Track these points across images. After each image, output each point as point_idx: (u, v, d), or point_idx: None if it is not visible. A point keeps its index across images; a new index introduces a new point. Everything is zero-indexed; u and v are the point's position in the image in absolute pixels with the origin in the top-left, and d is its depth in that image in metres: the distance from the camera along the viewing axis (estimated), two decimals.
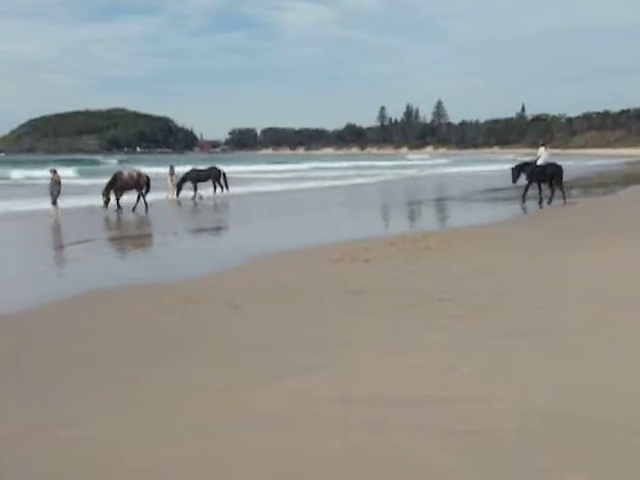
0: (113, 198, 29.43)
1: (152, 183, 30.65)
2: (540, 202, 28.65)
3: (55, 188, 26.89)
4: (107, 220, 26.62)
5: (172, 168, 38.63)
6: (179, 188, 37.57)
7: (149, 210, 28.92)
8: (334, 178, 58.22)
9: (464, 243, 17.00)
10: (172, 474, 5.14)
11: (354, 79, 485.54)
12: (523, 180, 29.81)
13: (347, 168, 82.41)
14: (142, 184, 29.85)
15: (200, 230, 24.15)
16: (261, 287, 12.04)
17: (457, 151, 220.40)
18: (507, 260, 14.15)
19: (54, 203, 26.81)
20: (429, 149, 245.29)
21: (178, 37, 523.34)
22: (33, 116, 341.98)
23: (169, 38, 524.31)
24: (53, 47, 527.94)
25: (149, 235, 22.65)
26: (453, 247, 16.35)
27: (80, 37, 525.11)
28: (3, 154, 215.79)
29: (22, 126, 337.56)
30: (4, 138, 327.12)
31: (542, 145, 31.10)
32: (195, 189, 37.51)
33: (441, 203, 34.58)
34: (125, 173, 30.42)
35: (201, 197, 36.36)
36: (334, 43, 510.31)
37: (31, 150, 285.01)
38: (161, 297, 11.29)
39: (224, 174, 39.04)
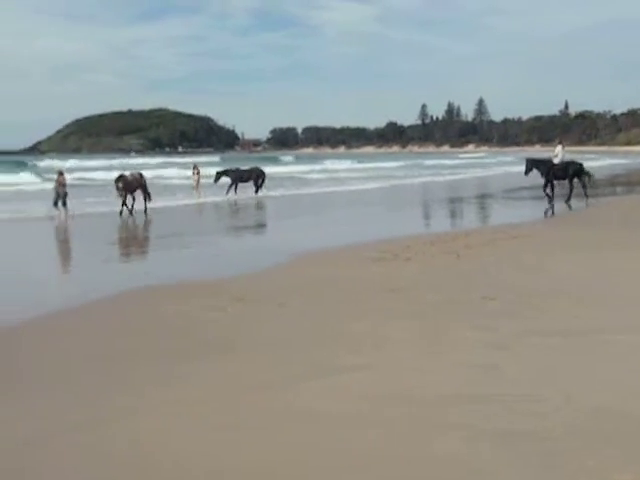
0: (120, 201, 27.93)
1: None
2: (568, 201, 28.21)
3: (61, 190, 26.79)
4: (147, 220, 26.77)
5: (196, 167, 38.70)
6: (217, 179, 37.68)
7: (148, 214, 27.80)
8: (401, 177, 57.86)
9: (506, 241, 16.87)
10: (215, 471, 5.19)
11: (395, 77, 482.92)
12: (534, 173, 29.33)
13: (409, 167, 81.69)
14: (145, 185, 29.10)
15: (244, 229, 24.31)
16: (304, 285, 12.08)
17: (499, 149, 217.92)
18: (550, 258, 14.02)
19: (55, 204, 26.61)
20: (470, 147, 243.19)
21: (220, 37, 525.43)
22: (78, 116, 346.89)
23: (211, 38, 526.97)
24: (99, 48, 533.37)
25: (193, 234, 22.81)
26: (495, 245, 16.24)
27: (125, 38, 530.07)
28: (54, 153, 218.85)
29: (67, 126, 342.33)
30: (50, 138, 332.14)
31: (559, 143, 30.55)
32: (235, 188, 37.40)
33: (485, 201, 34.35)
34: (128, 175, 29.34)
35: (235, 202, 35.43)
36: (374, 41, 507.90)
37: (76, 150, 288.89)
38: (207, 295, 11.39)
39: (263, 175, 38.81)
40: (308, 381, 6.99)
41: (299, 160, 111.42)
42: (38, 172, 58.03)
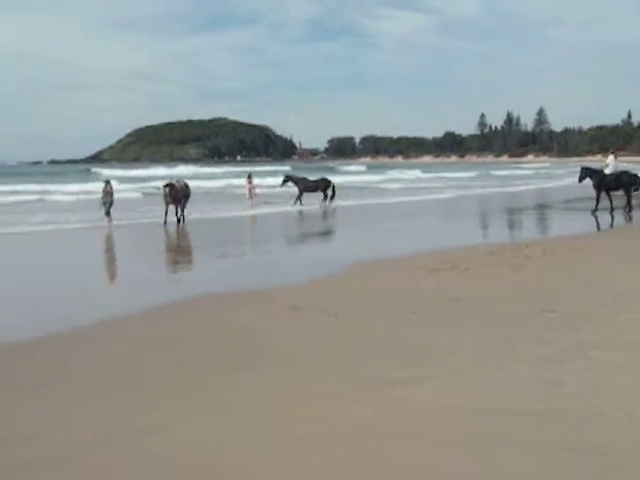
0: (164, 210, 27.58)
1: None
2: (629, 212, 27.54)
3: (107, 199, 27.00)
4: (207, 229, 27.02)
5: (250, 177, 38.77)
6: (284, 183, 37.78)
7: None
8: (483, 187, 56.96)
9: (566, 253, 16.60)
10: None
11: (453, 87, 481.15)
12: (587, 181, 28.78)
13: (481, 177, 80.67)
14: (189, 195, 28.76)
15: (303, 238, 24.44)
16: (360, 295, 12.06)
17: (559, 159, 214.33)
18: (610, 271, 13.71)
19: (107, 214, 26.81)
20: (530, 157, 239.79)
21: (278, 47, 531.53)
22: (138, 125, 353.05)
23: (269, 48, 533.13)
24: (160, 59, 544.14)
25: (252, 243, 22.99)
26: (555, 257, 16.00)
27: (185, 49, 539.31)
28: (115, 162, 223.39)
29: (128, 135, 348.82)
30: (112, 147, 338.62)
31: (612, 153, 29.79)
32: (300, 197, 37.29)
33: (544, 212, 33.85)
34: (177, 183, 28.71)
35: (301, 212, 34.81)
36: (432, 51, 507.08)
37: (136, 159, 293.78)
38: (264, 304, 11.46)
39: (333, 186, 38.24)
40: (366, 393, 6.96)
41: (366, 170, 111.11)
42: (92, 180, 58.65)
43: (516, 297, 11.48)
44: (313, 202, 37.03)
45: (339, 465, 5.37)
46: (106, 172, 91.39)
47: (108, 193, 27.18)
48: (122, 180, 57.07)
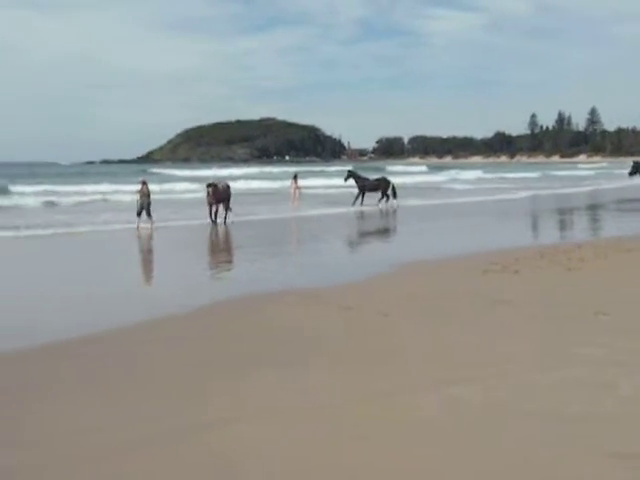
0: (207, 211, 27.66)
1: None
2: None
3: (144, 200, 26.57)
4: (258, 230, 27.16)
5: (296, 177, 38.53)
6: (347, 178, 37.60)
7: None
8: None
9: (619, 255, 16.33)
10: (319, 479, 5.22)
11: (503, 86, 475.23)
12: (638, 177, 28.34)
13: (544, 178, 79.39)
14: (230, 197, 28.45)
15: (357, 238, 24.55)
16: (410, 295, 12.03)
17: (612, 159, 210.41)
18: None
19: (139, 215, 26.40)
20: (582, 157, 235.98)
21: (327, 47, 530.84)
22: (188, 126, 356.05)
23: (318, 48, 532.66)
24: (210, 59, 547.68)
25: (304, 242, 23.05)
26: (608, 259, 15.75)
27: (235, 49, 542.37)
28: (170, 162, 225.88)
29: (178, 136, 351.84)
30: (162, 148, 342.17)
31: None
32: (361, 197, 37.03)
33: (596, 212, 33.37)
34: (219, 184, 28.60)
35: (361, 212, 34.50)
36: (482, 50, 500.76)
37: (186, 159, 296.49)
38: (315, 303, 11.52)
39: (393, 186, 38.07)
40: (416, 393, 6.96)
41: (428, 170, 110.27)
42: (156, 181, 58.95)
43: (568, 299, 11.33)
44: (371, 202, 36.85)
45: (389, 464, 5.38)
46: (169, 172, 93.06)
47: (145, 194, 26.79)
48: (191, 180, 58.69)
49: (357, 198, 37.03)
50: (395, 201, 37.37)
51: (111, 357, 8.82)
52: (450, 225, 27.50)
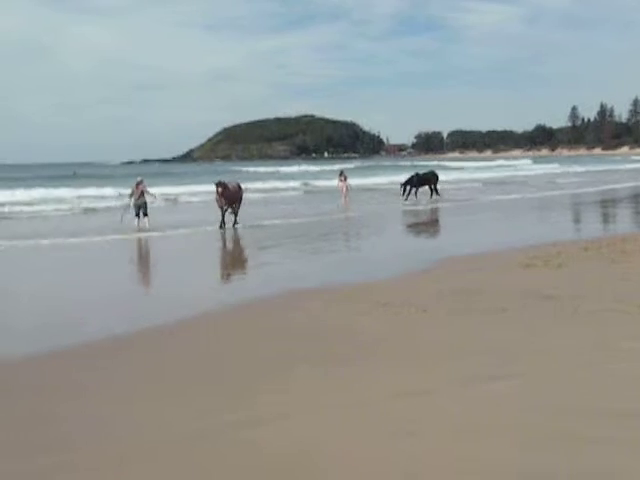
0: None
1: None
2: None
3: (141, 200, 25.56)
4: (294, 223, 27.09)
5: (342, 173, 38.38)
6: (404, 190, 37.65)
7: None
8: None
9: None
10: (367, 475, 5.17)
11: (543, 78, 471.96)
12: None
13: (611, 171, 77.95)
14: (241, 198, 26.79)
15: (398, 231, 24.45)
16: (449, 291, 11.89)
17: None
18: None
19: (144, 215, 25.48)
20: (624, 149, 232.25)
21: (363, 43, 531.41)
22: (227, 124, 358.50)
23: (355, 44, 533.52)
24: (247, 57, 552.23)
25: (341, 239, 22.97)
26: None
27: (272, 47, 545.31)
28: (222, 161, 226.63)
29: (217, 134, 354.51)
30: (201, 146, 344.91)
31: None
32: (415, 193, 37.68)
33: None
34: (229, 184, 26.42)
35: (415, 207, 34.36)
36: (521, 42, 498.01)
37: (225, 157, 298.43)
38: (354, 299, 11.47)
39: (437, 178, 39.00)
40: (457, 389, 6.88)
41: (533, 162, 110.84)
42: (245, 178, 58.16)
43: (612, 292, 11.09)
44: (421, 198, 37.41)
45: (430, 461, 5.32)
46: (253, 169, 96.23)
47: (141, 194, 25.84)
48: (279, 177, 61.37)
49: (409, 193, 37.54)
50: (438, 196, 37.78)
51: (158, 355, 8.90)
52: (494, 220, 27.26)
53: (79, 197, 43.14)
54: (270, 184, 54.89)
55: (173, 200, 40.47)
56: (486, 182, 57.53)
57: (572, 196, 40.88)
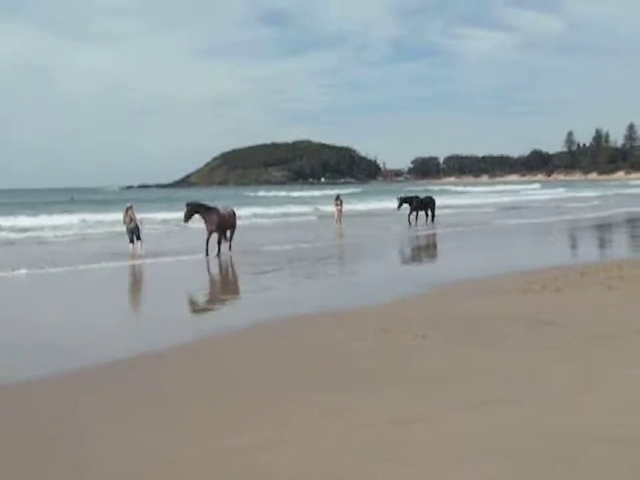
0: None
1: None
2: None
3: (132, 225, 25.60)
4: (302, 248, 27.07)
5: (339, 198, 39.42)
6: (400, 206, 38.24)
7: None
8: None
9: None
10: None
11: (538, 104, 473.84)
12: None
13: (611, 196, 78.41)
14: (235, 225, 26.35)
15: (399, 259, 24.47)
16: (448, 316, 11.91)
17: None
18: None
19: (131, 241, 25.64)
20: (620, 174, 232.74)
21: (360, 69, 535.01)
22: (224, 149, 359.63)
23: (352, 70, 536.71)
24: (244, 83, 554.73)
25: (338, 264, 23.01)
26: None
27: (269, 73, 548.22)
28: (217, 186, 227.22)
29: (215, 159, 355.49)
30: (199, 171, 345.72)
31: None
32: (415, 215, 38.11)
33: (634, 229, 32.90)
34: (224, 211, 25.96)
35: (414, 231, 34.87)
36: (516, 68, 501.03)
37: (222, 182, 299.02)
38: (353, 325, 11.49)
39: (434, 204, 39.45)
40: (458, 415, 6.89)
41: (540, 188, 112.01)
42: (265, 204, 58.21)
43: (610, 318, 11.15)
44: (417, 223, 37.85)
45: None
46: (273, 194, 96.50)
47: (131, 219, 25.87)
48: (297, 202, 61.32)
49: (410, 216, 38.03)
50: (432, 222, 38.34)
51: (157, 379, 8.90)
52: (491, 245, 27.33)
53: (77, 222, 43.56)
54: (277, 209, 56.05)
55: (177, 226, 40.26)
56: (502, 207, 57.33)
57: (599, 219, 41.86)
